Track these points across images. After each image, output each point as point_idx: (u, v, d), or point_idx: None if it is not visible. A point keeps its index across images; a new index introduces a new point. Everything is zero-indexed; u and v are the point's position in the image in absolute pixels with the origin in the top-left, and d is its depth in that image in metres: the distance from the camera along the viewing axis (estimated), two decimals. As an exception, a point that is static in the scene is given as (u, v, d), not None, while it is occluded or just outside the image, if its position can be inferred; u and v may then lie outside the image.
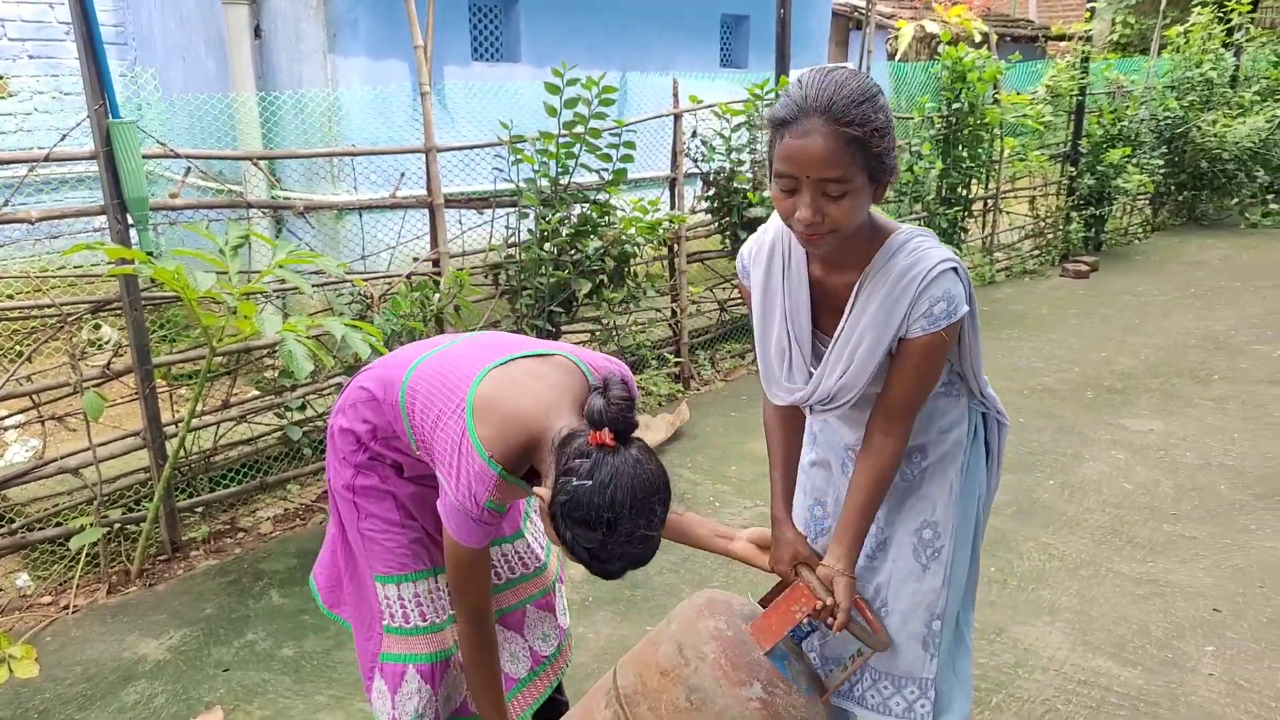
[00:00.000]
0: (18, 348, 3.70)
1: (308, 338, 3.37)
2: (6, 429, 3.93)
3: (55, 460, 3.59)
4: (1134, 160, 9.07)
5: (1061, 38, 8.61)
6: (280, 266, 3.48)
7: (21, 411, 3.73)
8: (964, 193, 7.46)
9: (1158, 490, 4.18)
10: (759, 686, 1.70)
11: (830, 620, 1.76)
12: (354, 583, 2.07)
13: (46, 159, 3.43)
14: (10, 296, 3.95)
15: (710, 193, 5.60)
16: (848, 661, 1.91)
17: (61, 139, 3.49)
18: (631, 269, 4.97)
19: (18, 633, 3.24)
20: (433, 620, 1.98)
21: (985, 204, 8.11)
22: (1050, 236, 8.86)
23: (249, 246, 4.19)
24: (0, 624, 3.32)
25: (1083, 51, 8.53)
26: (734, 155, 5.53)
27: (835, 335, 1.76)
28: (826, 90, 1.54)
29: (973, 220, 7.90)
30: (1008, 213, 8.54)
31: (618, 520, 1.54)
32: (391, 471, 1.95)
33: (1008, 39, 14.66)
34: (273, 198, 5.58)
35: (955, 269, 1.65)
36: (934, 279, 1.64)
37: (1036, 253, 8.79)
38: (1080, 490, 4.19)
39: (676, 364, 5.56)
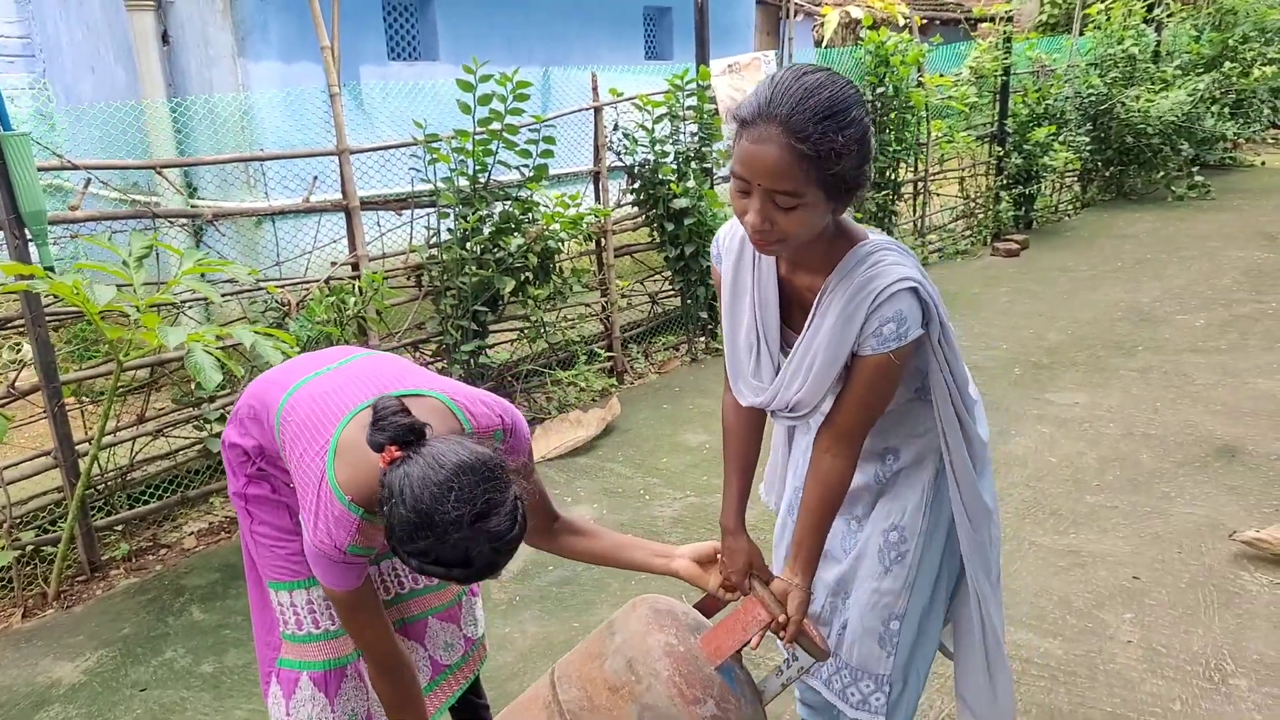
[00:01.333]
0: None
1: (217, 347, 3.31)
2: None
3: (-39, 484, 3.48)
4: (1060, 138, 9.24)
5: (986, 19, 8.72)
6: (187, 276, 3.42)
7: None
8: (892, 176, 7.54)
9: (1081, 462, 4.26)
10: (712, 704, 1.67)
11: (781, 633, 1.74)
12: (255, 587, 2.04)
13: (-66, 174, 3.32)
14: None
15: (635, 185, 5.60)
16: (781, 667, 1.89)
17: (-52, 153, 3.37)
18: (557, 265, 4.95)
19: (-75, 664, 3.15)
20: (327, 627, 1.94)
21: (915, 186, 8.21)
22: (981, 216, 8.99)
23: (158, 258, 4.09)
24: (-92, 656, 3.22)
25: (1005, 32, 8.66)
26: (657, 147, 5.52)
27: (796, 344, 1.72)
28: (791, 98, 1.44)
29: (903, 203, 7.99)
30: (937, 194, 8.64)
31: (431, 517, 1.41)
32: (283, 483, 1.91)
33: (936, 22, 14.88)
34: (190, 206, 5.47)
35: (915, 289, 1.58)
36: (887, 298, 1.57)
37: (968, 233, 8.92)
38: (1005, 466, 4.26)
39: (609, 358, 5.54)
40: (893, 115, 7.37)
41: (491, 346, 4.99)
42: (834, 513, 1.76)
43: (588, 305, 5.60)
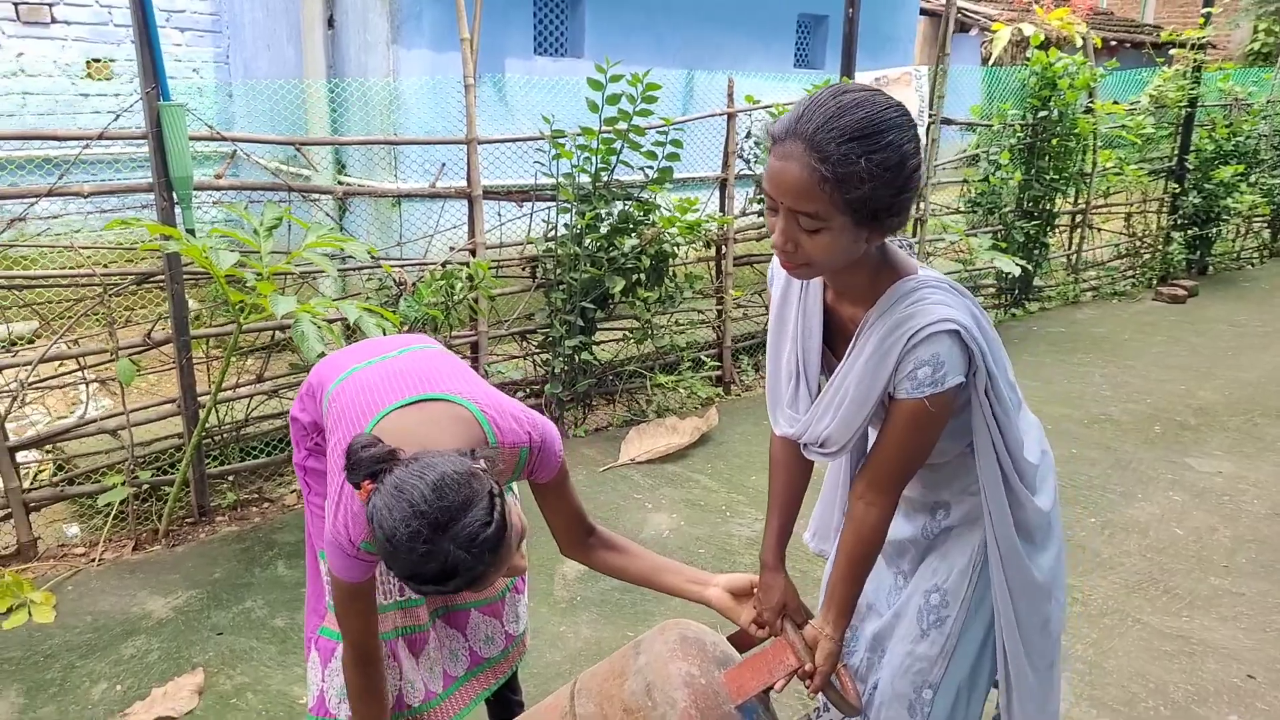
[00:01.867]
0: (68, 314, 3.92)
1: (324, 320, 3.48)
2: (53, 388, 4.17)
3: (95, 420, 3.80)
4: (1249, 179, 8.50)
5: (1178, 44, 8.10)
6: (310, 249, 3.61)
7: (69, 372, 3.96)
8: (1047, 206, 7.13)
9: (1211, 539, 3.90)
10: None
11: (808, 681, 1.69)
12: (311, 554, 2.13)
13: (100, 137, 3.62)
14: (62, 267, 4.20)
15: (761, 195, 5.51)
16: (812, 716, 1.86)
17: (114, 119, 3.68)
18: (670, 269, 4.93)
19: (46, 579, 3.45)
20: None
21: (1073, 219, 7.74)
22: (1147, 257, 8.39)
23: (290, 230, 4.33)
24: (35, 569, 3.54)
25: (1196, 59, 8.03)
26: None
27: (832, 377, 1.66)
28: (821, 115, 1.38)
29: (1055, 236, 7.54)
30: (1099, 229, 8.12)
31: (394, 538, 1.43)
32: None
33: (1125, 45, 13.95)
34: (338, 183, 5.77)
35: (957, 332, 1.47)
36: (924, 339, 1.48)
37: (1130, 273, 8.34)
38: (1123, 531, 3.96)
39: (716, 367, 5.49)
40: (1055, 142, 6.97)
41: (598, 344, 5.03)
42: (867, 563, 1.67)
43: (700, 312, 5.57)
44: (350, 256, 3.98)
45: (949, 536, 1.79)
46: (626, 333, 5.21)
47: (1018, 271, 6.23)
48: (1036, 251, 7.20)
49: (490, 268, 4.66)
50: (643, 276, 4.80)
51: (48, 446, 4.22)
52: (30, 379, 3.58)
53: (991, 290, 7.55)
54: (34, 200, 3.50)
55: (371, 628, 1.81)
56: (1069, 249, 7.89)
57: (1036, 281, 7.55)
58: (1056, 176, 7.04)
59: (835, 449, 1.67)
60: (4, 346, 3.96)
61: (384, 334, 3.59)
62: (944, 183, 7.47)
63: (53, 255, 4.32)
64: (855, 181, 1.36)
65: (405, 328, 3.92)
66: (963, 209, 7.06)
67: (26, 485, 3.88)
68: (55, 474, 4.05)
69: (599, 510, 4.05)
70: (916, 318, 1.49)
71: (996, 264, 6.26)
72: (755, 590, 1.84)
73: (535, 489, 1.91)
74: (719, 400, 5.37)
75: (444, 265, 4.36)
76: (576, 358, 4.77)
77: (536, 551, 3.41)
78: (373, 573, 1.75)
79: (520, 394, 4.96)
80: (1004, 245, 6.76)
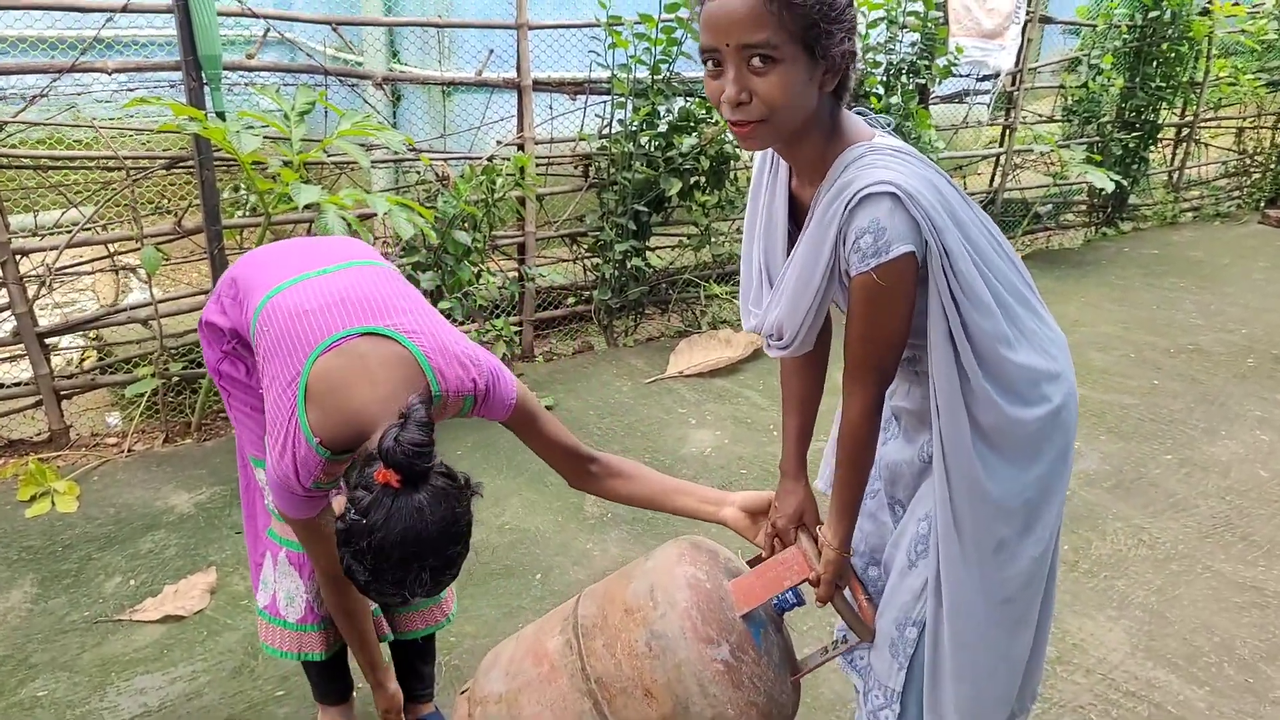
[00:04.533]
0: (93, 198, 3.81)
1: (353, 213, 3.30)
2: (81, 274, 4.10)
3: (125, 309, 3.72)
4: (1383, 95, 7.70)
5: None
6: (342, 137, 3.41)
7: (99, 259, 3.87)
8: (1150, 117, 6.54)
9: (1302, 483, 3.58)
10: (727, 648, 1.55)
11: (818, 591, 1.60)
12: (239, 460, 2.03)
13: (124, 9, 3.43)
14: (85, 146, 4.08)
15: (838, 95, 5.11)
16: (829, 646, 1.73)
17: (140, -11, 3.48)
18: (731, 172, 4.62)
19: (76, 468, 3.42)
20: None
21: (1178, 133, 7.11)
22: (1257, 176, 7.71)
23: (325, 117, 4.12)
24: (67, 458, 3.52)
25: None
26: (868, 55, 5.00)
27: (784, 262, 1.51)
28: None
29: (1158, 150, 6.95)
30: (1206, 144, 7.47)
31: (381, 568, 1.43)
32: (255, 365, 1.83)
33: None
34: (390, 69, 5.53)
35: (895, 195, 1.30)
36: (858, 204, 1.31)
37: (1236, 194, 7.69)
38: (1201, 470, 3.64)
39: (776, 279, 5.20)
40: (1164, 46, 6.34)
41: (652, 250, 4.78)
42: (858, 460, 1.52)
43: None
44: (384, 146, 3.76)
45: None
46: (683, 239, 4.94)
47: (1111, 187, 5.73)
48: (1135, 166, 6.65)
49: (539, 165, 4.41)
50: (702, 179, 4.50)
51: (92, 334, 4.19)
52: (56, 264, 3.48)
53: (1083, 207, 7.04)
54: (57, 76, 3.34)
55: (334, 551, 1.71)
56: (1171, 165, 7.28)
57: (1132, 199, 7.01)
58: (1163, 85, 6.43)
59: (789, 339, 1.53)
60: (33, 233, 3.88)
61: (418, 231, 3.40)
62: (1038, 87, 6.90)
63: (77, 139, 4.22)
64: None
65: (442, 225, 3.72)
66: (1056, 118, 6.53)
67: (70, 371, 3.85)
68: (96, 362, 4.01)
69: (640, 424, 3.87)
70: (855, 183, 1.34)
71: (1089, 178, 5.77)
72: (773, 503, 1.74)
73: (510, 428, 1.80)
74: (776, 314, 5.10)
75: (489, 160, 4.12)
76: (627, 263, 4.53)
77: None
78: (323, 504, 1.65)
79: (570, 300, 4.77)
80: (1099, 159, 6.24)
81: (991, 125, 6.31)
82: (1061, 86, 6.47)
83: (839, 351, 1.53)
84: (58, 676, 2.44)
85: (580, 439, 1.87)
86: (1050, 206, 6.82)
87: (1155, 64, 6.39)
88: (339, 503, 1.50)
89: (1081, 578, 2.98)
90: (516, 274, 4.31)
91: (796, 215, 1.53)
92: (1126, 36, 6.29)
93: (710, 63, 1.33)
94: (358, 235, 3.28)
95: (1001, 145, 6.31)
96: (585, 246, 4.70)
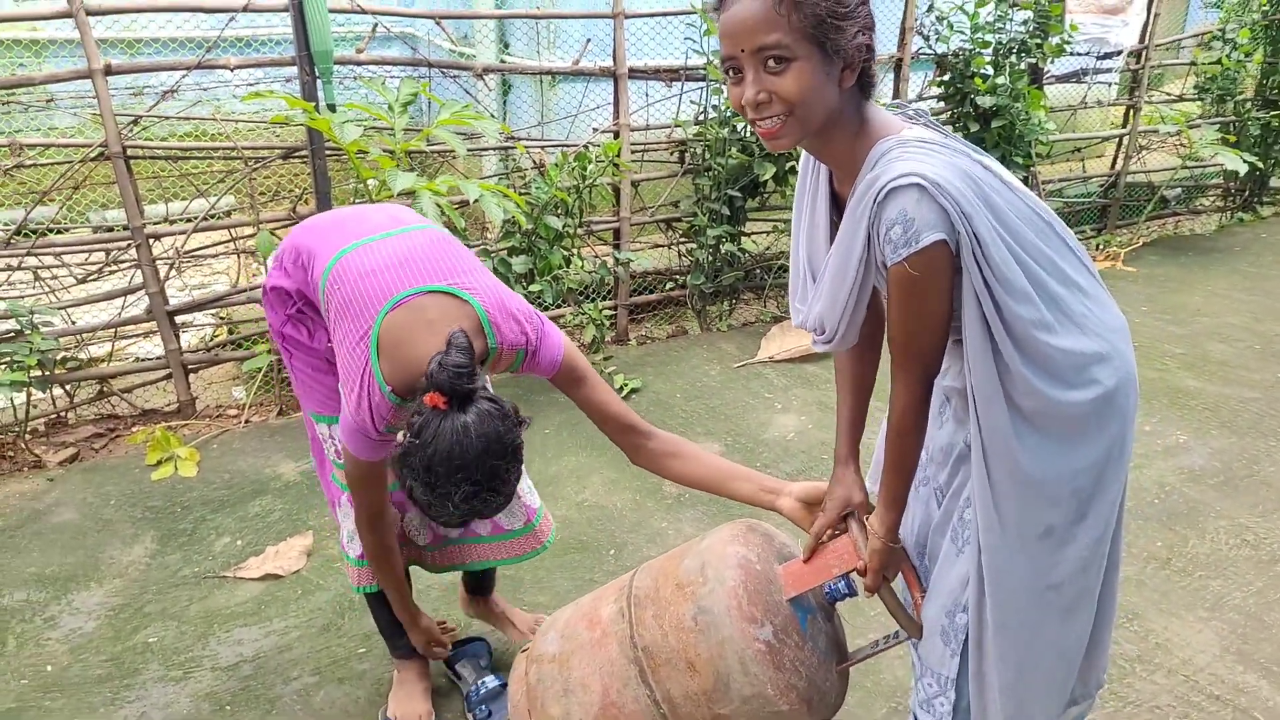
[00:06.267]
0: (218, 187, 4.09)
1: (448, 200, 3.45)
2: (208, 258, 4.41)
3: (245, 290, 3.99)
4: None
5: None
6: (442, 126, 3.56)
7: (221, 243, 4.17)
8: (1296, 92, 6.09)
9: None
10: (770, 630, 1.59)
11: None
12: (303, 411, 2.17)
13: (245, 9, 3.68)
14: (212, 137, 4.38)
15: (945, 77, 4.98)
16: (879, 641, 1.75)
17: (259, -8, 3.72)
18: (828, 156, 4.57)
19: (198, 436, 3.71)
20: None
21: (1328, 110, 6.59)
22: None
23: (427, 109, 4.29)
24: (192, 427, 3.82)
25: None
26: (978, 35, 4.85)
27: (827, 256, 1.54)
28: None
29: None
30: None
31: (434, 482, 1.58)
32: (320, 327, 1.97)
33: None
34: (500, 60, 5.70)
35: (921, 185, 1.31)
36: (886, 196, 1.34)
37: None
38: (1325, 464, 3.42)
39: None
40: (1314, 17, 5.89)
41: (747, 235, 4.78)
42: (905, 450, 1.53)
43: (863, 205, 5.18)
44: (483, 135, 3.91)
45: None
46: (778, 224, 4.93)
47: (1244, 169, 5.38)
48: (1276, 147, 6.21)
49: (635, 151, 4.48)
50: (795, 164, 4.47)
51: (222, 313, 4.52)
52: (185, 248, 3.78)
53: (1218, 191, 6.62)
54: (185, 73, 3.62)
55: (384, 495, 1.93)
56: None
57: (1274, 182, 6.55)
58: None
59: (830, 333, 1.57)
60: (165, 219, 4.20)
61: (509, 216, 3.52)
62: (1169, 64, 6.52)
63: (208, 131, 4.53)
64: None
65: (534, 211, 3.84)
66: (1186, 97, 6.16)
67: (199, 347, 4.17)
68: (224, 338, 4.32)
69: (725, 407, 3.90)
70: (881, 177, 1.36)
71: (1221, 159, 5.43)
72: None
73: (560, 388, 1.91)
74: (874, 301, 5.02)
75: (586, 147, 4.22)
76: (721, 248, 4.56)
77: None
78: (390, 448, 1.75)
79: (665, 285, 4.83)
80: (1234, 139, 5.85)
81: (1115, 105, 6.02)
82: (1193, 63, 6.09)
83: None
84: (167, 625, 2.68)
85: (664, 421, 1.95)
86: (1179, 190, 6.44)
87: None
88: (400, 439, 1.65)
89: (1173, 576, 2.85)
90: (611, 259, 4.40)
91: (840, 211, 1.55)
92: (1267, 8, 5.87)
93: (731, 71, 1.38)
94: (452, 222, 3.42)
95: (1125, 126, 6.00)
96: (680, 232, 4.75)
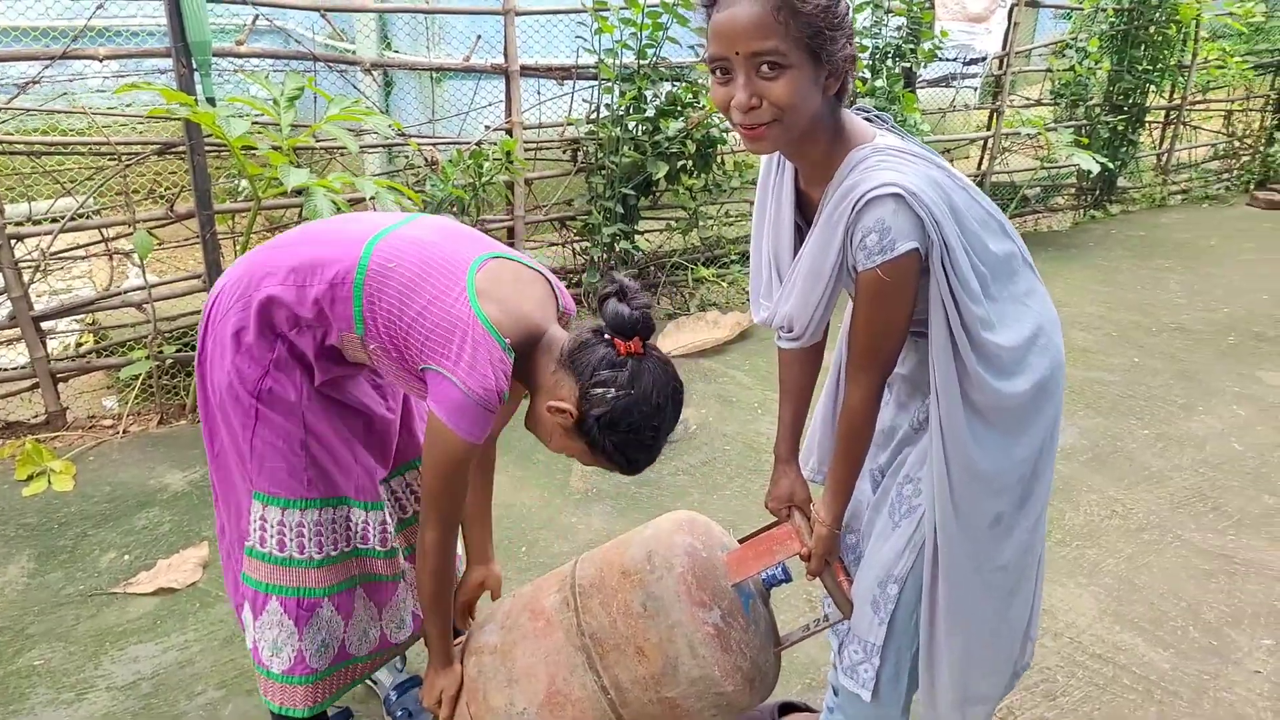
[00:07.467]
0: (87, 184, 3.86)
1: (342, 196, 3.36)
2: (74, 259, 4.16)
3: (119, 294, 3.78)
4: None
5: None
6: (331, 122, 3.46)
7: (92, 244, 3.93)
8: (1138, 100, 6.58)
9: (1273, 456, 3.63)
10: (718, 613, 1.65)
11: (807, 564, 1.71)
12: (221, 485, 1.82)
13: (115, -3, 3.49)
14: (80, 133, 4.13)
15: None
16: (810, 624, 1.81)
17: (130, -24, 3.54)
18: (719, 155, 4.68)
19: (72, 448, 3.49)
20: (311, 554, 1.77)
21: (1166, 115, 7.16)
22: (1246, 159, 7.76)
23: (315, 103, 4.16)
24: (64, 439, 3.59)
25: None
26: (856, 40, 5.04)
27: (794, 259, 1.58)
28: None
29: (1147, 133, 7.00)
30: (1194, 128, 7.51)
31: (662, 425, 1.59)
32: (305, 379, 1.70)
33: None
34: (382, 56, 5.58)
35: (899, 195, 1.37)
36: (865, 203, 1.38)
37: (1225, 177, 7.74)
38: (1177, 444, 3.71)
39: (763, 262, 5.26)
40: (1152, 30, 6.38)
41: (640, 233, 4.84)
42: (855, 443, 1.60)
43: (751, 203, 5.31)
44: (373, 131, 3.82)
45: (927, 423, 1.65)
46: (671, 222, 5.00)
47: (1097, 169, 5.78)
48: (1123, 149, 6.70)
49: (528, 149, 4.47)
50: (689, 163, 4.56)
51: (88, 319, 4.26)
52: (51, 249, 3.55)
53: (1072, 190, 7.08)
54: (49, 63, 3.40)
55: (464, 497, 1.72)
56: (1159, 148, 7.33)
57: (1121, 181, 7.06)
58: (1150, 68, 6.48)
59: (799, 331, 1.62)
60: (28, 219, 3.94)
61: (405, 213, 3.45)
62: (1026, 71, 6.94)
63: (70, 125, 4.27)
64: (805, 3, 1.32)
65: (429, 209, 3.78)
66: (1044, 101, 6.57)
67: (66, 354, 3.92)
68: (93, 345, 4.08)
69: (626, 403, 3.93)
70: (861, 185, 1.41)
71: (1076, 160, 5.82)
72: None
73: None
74: (763, 296, 5.16)
75: (478, 145, 4.18)
76: (616, 246, 4.59)
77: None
78: (491, 425, 1.60)
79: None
80: (1086, 141, 6.28)
81: (979, 109, 6.36)
82: (1049, 70, 6.51)
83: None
84: (54, 646, 2.52)
85: None
86: (1038, 189, 6.87)
87: (1143, 47, 6.43)
88: (564, 405, 1.56)
89: (1054, 547, 3.04)
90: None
91: (805, 211, 1.60)
92: (1114, 20, 6.32)
93: (718, 71, 1.39)
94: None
95: (989, 128, 6.36)
96: (574, 230, 4.76)
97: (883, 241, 1.38)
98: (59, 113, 3.66)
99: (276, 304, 1.63)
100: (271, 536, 1.75)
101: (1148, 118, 6.82)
